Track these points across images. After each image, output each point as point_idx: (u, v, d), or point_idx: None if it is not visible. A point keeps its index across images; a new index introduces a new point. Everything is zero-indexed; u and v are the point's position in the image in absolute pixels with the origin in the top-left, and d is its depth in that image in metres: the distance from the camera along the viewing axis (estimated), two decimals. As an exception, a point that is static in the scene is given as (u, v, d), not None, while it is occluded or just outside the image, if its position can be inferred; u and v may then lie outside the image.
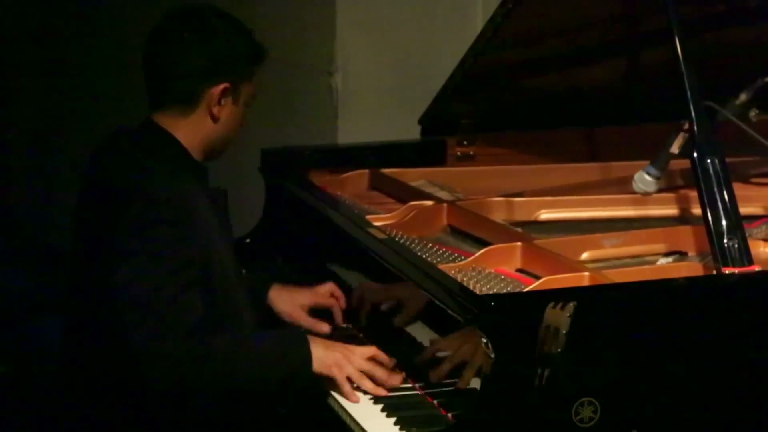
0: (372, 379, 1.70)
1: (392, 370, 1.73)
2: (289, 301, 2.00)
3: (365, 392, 1.70)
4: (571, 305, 1.49)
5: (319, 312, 2.00)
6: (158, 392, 1.68)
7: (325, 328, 1.95)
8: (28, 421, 2.01)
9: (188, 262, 1.70)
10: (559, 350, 1.48)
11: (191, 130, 1.80)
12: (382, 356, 1.73)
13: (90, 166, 1.84)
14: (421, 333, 1.81)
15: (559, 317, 1.49)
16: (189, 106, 1.79)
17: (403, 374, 1.73)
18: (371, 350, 1.73)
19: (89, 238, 1.79)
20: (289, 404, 1.83)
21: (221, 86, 1.78)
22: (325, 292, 2.01)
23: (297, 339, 1.75)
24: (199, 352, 1.67)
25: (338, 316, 1.99)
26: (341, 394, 1.69)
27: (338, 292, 2.01)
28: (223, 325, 1.75)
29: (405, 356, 1.79)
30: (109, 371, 1.74)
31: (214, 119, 1.80)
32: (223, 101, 1.79)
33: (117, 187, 1.75)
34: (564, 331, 1.48)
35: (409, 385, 1.72)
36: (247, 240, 2.34)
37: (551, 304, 1.50)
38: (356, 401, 1.68)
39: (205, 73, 1.78)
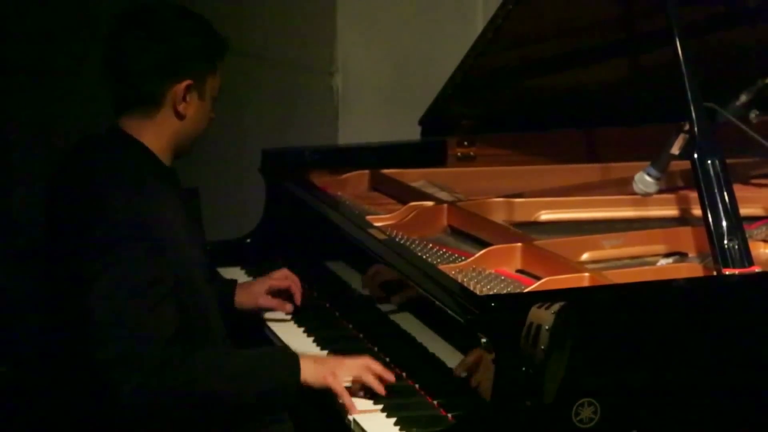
0: (365, 384, 1.68)
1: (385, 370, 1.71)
2: (247, 292, 2.04)
3: (364, 394, 1.70)
4: (557, 305, 1.49)
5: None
6: (130, 414, 1.62)
7: (288, 307, 2.01)
8: (26, 421, 2.01)
9: (156, 278, 1.66)
10: (543, 347, 1.48)
11: (158, 131, 1.78)
12: (375, 364, 1.71)
13: (55, 178, 1.81)
14: (420, 331, 1.81)
15: (543, 314, 1.49)
16: (154, 107, 1.77)
17: (395, 373, 1.72)
18: (363, 359, 1.71)
19: (57, 249, 1.76)
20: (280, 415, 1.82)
21: (184, 83, 1.76)
22: (280, 276, 2.05)
23: (286, 353, 1.73)
24: (175, 363, 1.62)
25: (297, 297, 2.03)
26: (340, 405, 1.66)
27: (293, 276, 2.05)
28: (194, 336, 1.72)
29: (407, 357, 1.79)
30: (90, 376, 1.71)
31: (181, 117, 1.77)
32: (188, 98, 1.77)
33: (78, 207, 1.73)
34: (547, 327, 1.48)
35: (410, 385, 1.73)
36: (248, 240, 2.35)
37: (536, 305, 1.50)
38: (356, 413, 1.64)
39: (166, 72, 1.75)
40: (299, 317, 2.03)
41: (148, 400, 1.61)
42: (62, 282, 1.75)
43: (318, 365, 1.69)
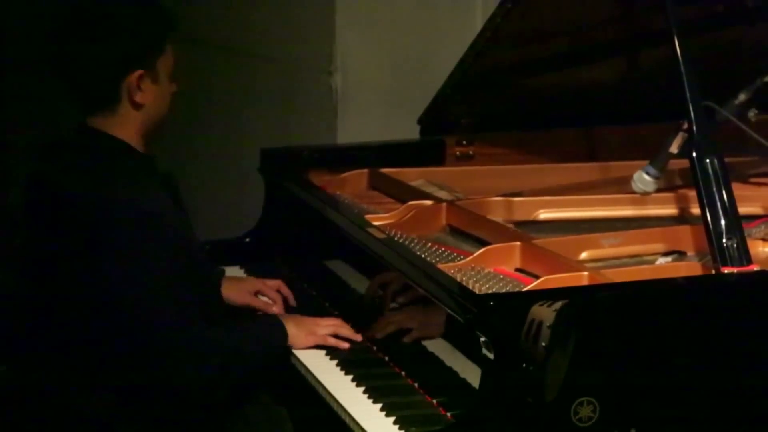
0: (338, 336, 1.86)
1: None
2: (237, 288, 2.06)
3: (365, 392, 1.70)
4: (559, 302, 1.49)
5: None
6: (182, 390, 1.72)
7: (276, 309, 2.04)
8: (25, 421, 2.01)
9: (167, 254, 1.72)
10: (544, 345, 1.48)
11: (124, 123, 1.80)
12: (345, 326, 1.88)
13: (34, 179, 1.83)
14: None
15: (544, 312, 1.49)
16: (112, 103, 1.79)
17: (395, 372, 1.76)
18: (334, 320, 1.89)
19: (47, 249, 1.78)
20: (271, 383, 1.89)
21: (135, 74, 1.78)
22: (272, 285, 2.07)
23: (272, 321, 1.88)
24: (207, 339, 1.73)
25: (279, 306, 2.06)
26: (325, 348, 1.84)
27: (286, 290, 2.07)
28: (204, 311, 1.80)
29: (406, 356, 1.79)
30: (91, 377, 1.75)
31: (139, 106, 1.79)
32: (142, 86, 1.79)
33: (69, 203, 1.75)
34: (548, 324, 1.48)
35: (409, 384, 1.73)
36: (247, 239, 2.35)
37: (539, 303, 1.50)
38: (346, 346, 1.84)
39: (113, 69, 1.77)
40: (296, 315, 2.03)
41: (203, 377, 1.72)
42: (59, 282, 1.76)
43: (298, 329, 1.85)
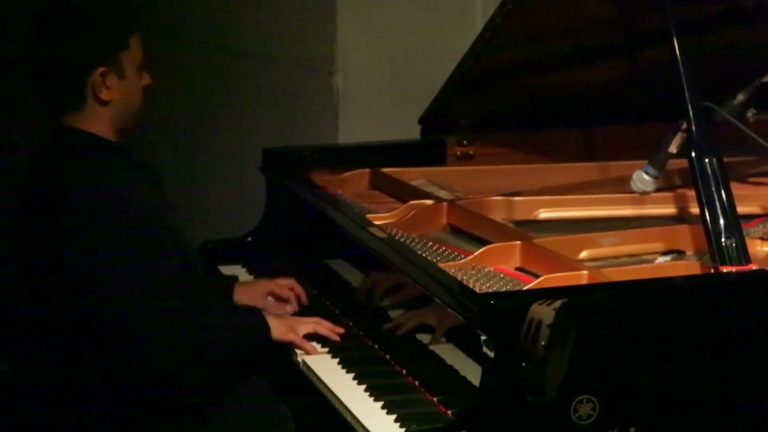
0: (319, 334, 1.88)
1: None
2: (249, 292, 2.08)
3: (366, 390, 1.71)
4: (558, 301, 1.50)
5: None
6: (153, 371, 1.71)
7: (290, 308, 2.05)
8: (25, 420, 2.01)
9: (153, 246, 1.74)
10: (543, 344, 1.49)
11: (95, 120, 1.81)
12: (325, 321, 1.91)
13: (28, 179, 1.84)
14: (420, 329, 1.82)
15: (543, 311, 1.50)
16: (78, 102, 1.79)
17: (396, 371, 1.77)
18: (315, 319, 1.91)
19: (41, 246, 1.78)
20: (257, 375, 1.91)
21: (98, 72, 1.78)
22: (284, 284, 2.08)
23: (253, 311, 1.90)
24: (181, 321, 1.73)
25: (293, 305, 2.07)
26: (302, 351, 1.86)
27: (298, 289, 2.08)
28: (189, 296, 1.81)
29: (407, 354, 1.80)
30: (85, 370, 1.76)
31: (106, 103, 1.79)
32: (108, 82, 1.79)
33: (41, 197, 1.77)
34: (547, 323, 1.49)
35: (410, 382, 1.74)
36: (249, 239, 2.36)
37: (538, 302, 1.51)
38: (315, 352, 1.85)
39: (75, 67, 1.77)
40: (298, 314, 2.03)
41: (178, 357, 1.72)
42: (43, 276, 1.77)
43: (279, 322, 1.87)
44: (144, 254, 1.73)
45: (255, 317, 1.87)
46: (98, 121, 1.81)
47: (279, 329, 1.86)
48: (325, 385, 1.76)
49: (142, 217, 1.75)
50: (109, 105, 1.80)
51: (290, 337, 1.86)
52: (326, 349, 1.88)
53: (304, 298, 2.07)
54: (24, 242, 1.83)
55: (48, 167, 1.81)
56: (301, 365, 1.86)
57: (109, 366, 1.72)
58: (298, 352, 1.87)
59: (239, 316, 1.90)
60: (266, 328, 1.85)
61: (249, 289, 2.09)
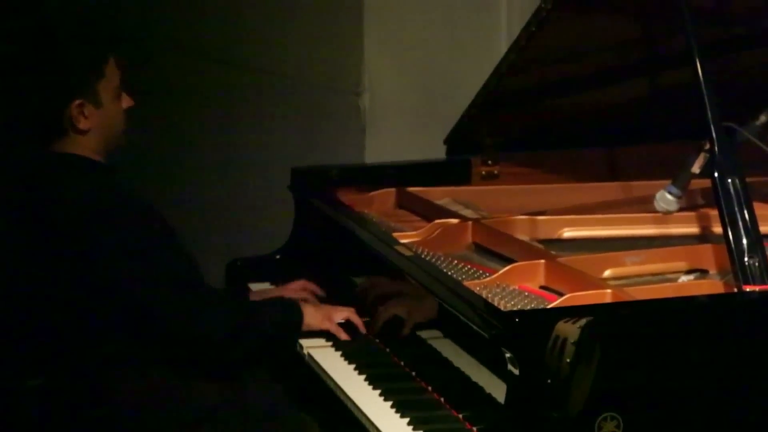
0: (351, 324, 1.98)
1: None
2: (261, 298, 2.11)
3: (392, 406, 1.72)
4: (584, 319, 1.52)
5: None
6: (206, 339, 1.81)
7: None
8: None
9: (166, 239, 1.81)
10: (568, 361, 1.50)
11: (79, 146, 1.84)
12: (356, 317, 1.99)
13: (14, 203, 1.87)
14: (445, 346, 1.84)
15: (569, 328, 1.52)
16: (60, 133, 1.82)
17: (421, 387, 1.80)
18: (349, 309, 1.99)
19: (38, 265, 1.83)
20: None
21: (73, 105, 1.80)
22: (295, 286, 2.14)
23: (289, 301, 1.99)
24: (222, 296, 1.90)
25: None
26: (336, 336, 1.97)
27: (311, 286, 2.15)
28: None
29: (432, 371, 1.82)
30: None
31: (85, 132, 1.82)
32: (86, 112, 1.81)
33: (50, 212, 1.80)
34: (572, 341, 1.50)
35: (435, 399, 1.76)
36: (278, 256, 2.38)
37: (564, 319, 1.53)
38: (347, 338, 1.97)
39: (51, 104, 1.79)
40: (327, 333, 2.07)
41: (236, 333, 1.83)
42: (64, 286, 1.81)
43: (316, 310, 1.96)
44: (170, 242, 1.81)
45: (288, 305, 1.95)
46: (81, 147, 1.85)
47: (315, 317, 1.94)
48: (352, 401, 1.78)
49: (151, 212, 1.81)
50: (89, 133, 1.83)
51: (327, 325, 1.95)
52: (353, 366, 1.90)
53: (318, 291, 2.13)
54: (30, 264, 1.85)
55: (41, 188, 1.84)
56: (328, 382, 1.88)
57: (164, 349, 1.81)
58: (325, 368, 1.89)
59: (274, 303, 1.98)
60: (299, 314, 1.93)
61: (262, 296, 2.12)
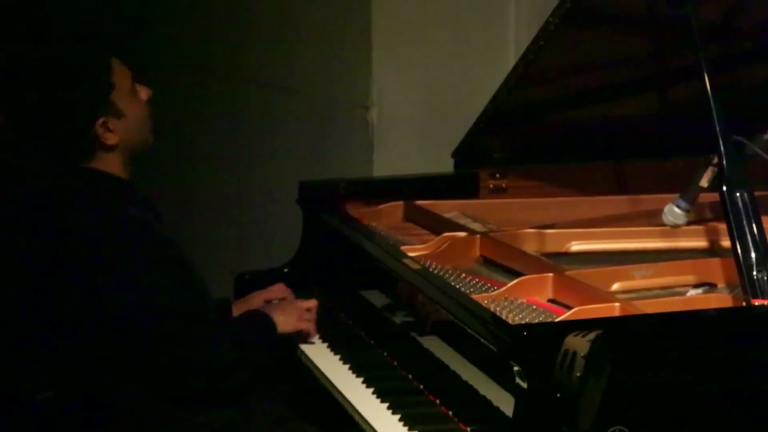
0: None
1: None
2: (245, 305, 2.13)
3: (400, 420, 1.73)
4: (593, 333, 1.52)
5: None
6: (209, 370, 1.82)
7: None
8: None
9: (178, 259, 1.82)
10: (578, 374, 1.50)
11: (107, 160, 1.85)
12: (314, 301, 2.05)
13: (33, 219, 1.89)
14: (454, 360, 1.84)
15: (578, 342, 1.52)
16: (88, 150, 1.84)
17: (429, 401, 1.79)
18: (312, 302, 2.04)
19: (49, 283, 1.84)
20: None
21: (98, 123, 1.81)
22: (277, 289, 2.15)
23: (260, 313, 1.99)
24: (214, 322, 1.87)
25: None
26: (308, 340, 2.02)
27: (288, 290, 2.17)
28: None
29: (441, 385, 1.82)
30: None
31: (111, 148, 1.83)
32: (111, 126, 1.82)
33: (76, 232, 1.82)
34: (582, 355, 1.50)
35: (444, 413, 1.75)
36: (286, 270, 2.39)
37: (573, 333, 1.53)
38: (316, 334, 2.03)
39: (76, 122, 1.80)
40: (333, 343, 2.07)
41: (238, 356, 1.84)
42: (66, 306, 1.82)
43: (285, 314, 1.98)
44: (177, 272, 1.80)
45: (255, 316, 1.96)
46: (111, 160, 1.86)
47: (287, 323, 1.96)
48: (360, 415, 1.78)
49: (163, 240, 1.82)
50: (117, 147, 1.85)
51: (300, 326, 1.98)
52: (361, 379, 1.91)
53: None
54: (40, 279, 1.87)
55: (59, 207, 1.85)
56: (336, 395, 1.89)
57: (167, 377, 1.81)
58: (334, 383, 1.89)
59: (244, 319, 1.99)
60: (272, 326, 1.94)
61: (245, 303, 2.14)
